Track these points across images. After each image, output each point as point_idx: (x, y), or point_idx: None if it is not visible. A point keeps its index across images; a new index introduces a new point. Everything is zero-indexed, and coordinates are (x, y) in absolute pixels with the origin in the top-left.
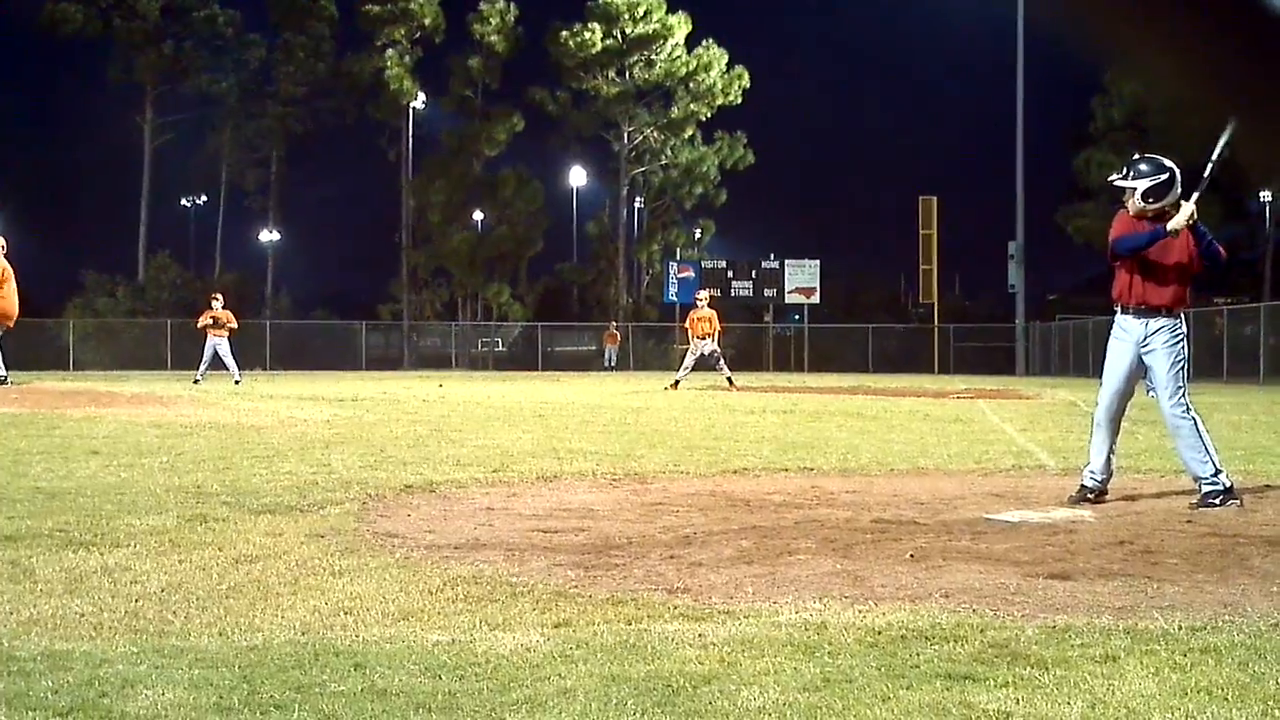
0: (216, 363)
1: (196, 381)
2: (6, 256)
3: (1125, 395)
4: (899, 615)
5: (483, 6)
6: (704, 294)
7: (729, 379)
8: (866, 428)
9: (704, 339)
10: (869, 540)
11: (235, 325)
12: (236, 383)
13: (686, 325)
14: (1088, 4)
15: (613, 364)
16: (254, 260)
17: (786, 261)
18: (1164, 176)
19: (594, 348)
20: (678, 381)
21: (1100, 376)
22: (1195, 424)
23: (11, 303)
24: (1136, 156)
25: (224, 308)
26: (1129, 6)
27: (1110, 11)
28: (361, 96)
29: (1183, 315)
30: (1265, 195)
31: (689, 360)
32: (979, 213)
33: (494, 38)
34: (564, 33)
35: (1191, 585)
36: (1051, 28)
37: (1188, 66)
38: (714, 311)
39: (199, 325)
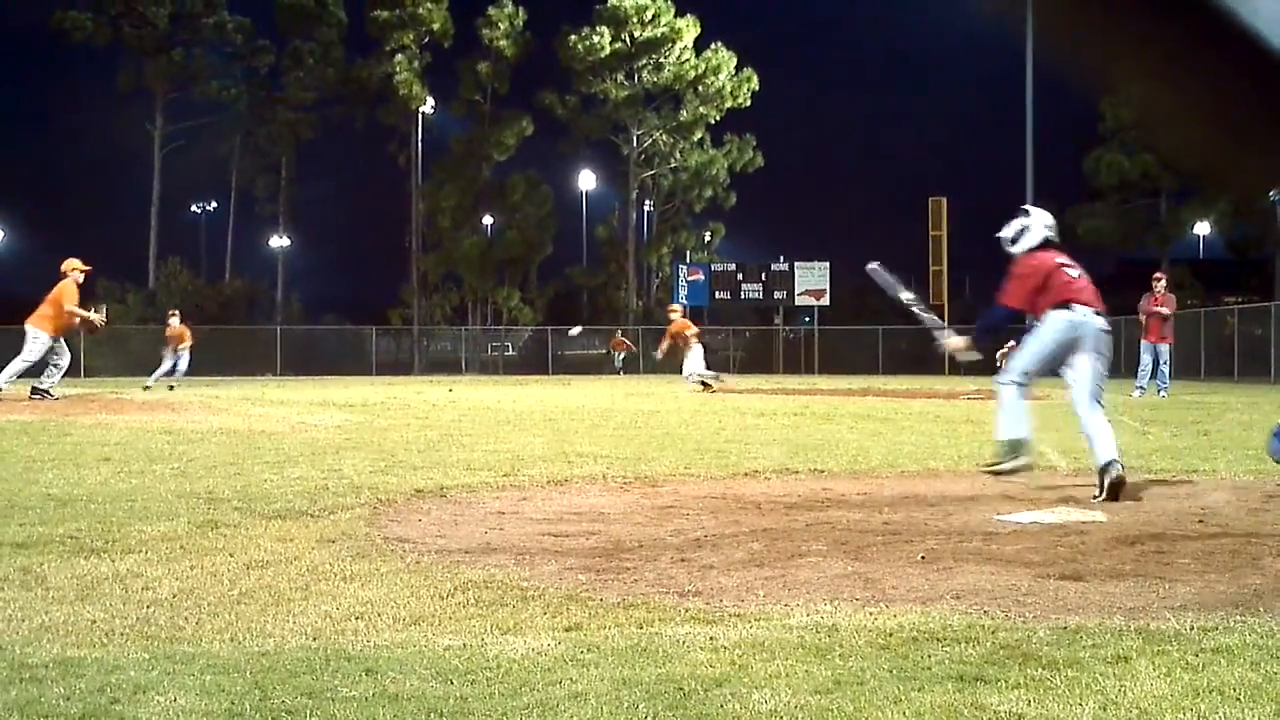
0: (176, 369)
1: (171, 388)
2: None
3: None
4: (910, 617)
5: (491, 11)
6: (677, 305)
7: (703, 383)
8: (877, 429)
9: (690, 344)
10: (880, 542)
11: (183, 341)
12: (146, 389)
13: (674, 336)
14: (1088, 38)
15: (620, 368)
16: (264, 266)
17: (796, 264)
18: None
19: (605, 351)
20: (706, 383)
21: (1110, 377)
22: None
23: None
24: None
25: (181, 323)
26: (1127, 39)
27: (1109, 46)
28: (371, 102)
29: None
30: (1273, 194)
31: (698, 359)
32: (989, 214)
33: (502, 42)
34: (572, 37)
35: (1203, 585)
36: (1053, 60)
37: (1183, 96)
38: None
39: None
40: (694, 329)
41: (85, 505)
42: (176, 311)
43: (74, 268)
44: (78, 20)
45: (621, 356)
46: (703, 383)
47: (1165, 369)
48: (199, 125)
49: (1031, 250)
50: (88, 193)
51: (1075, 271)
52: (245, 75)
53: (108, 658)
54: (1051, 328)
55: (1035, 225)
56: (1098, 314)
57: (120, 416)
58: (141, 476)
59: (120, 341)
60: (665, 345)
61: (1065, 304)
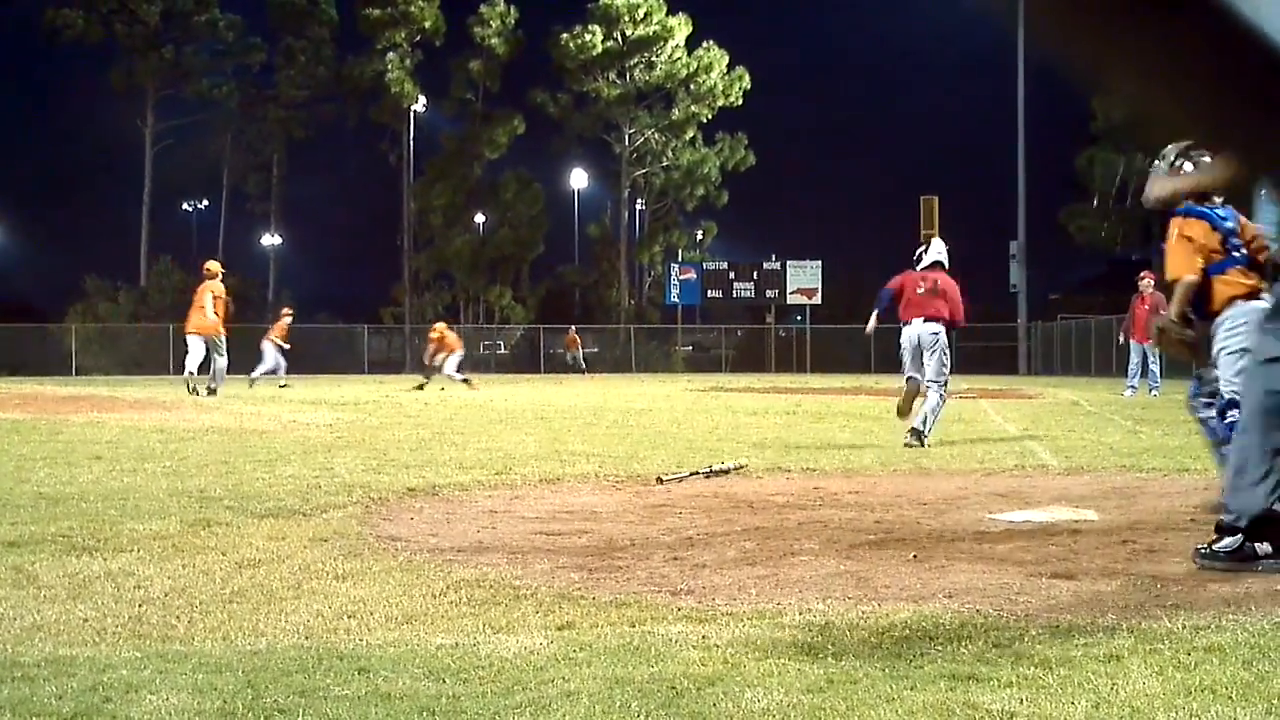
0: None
1: (284, 385)
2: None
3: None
4: (903, 616)
5: (483, 9)
6: (439, 325)
7: (466, 380)
8: (870, 428)
9: (449, 353)
10: (872, 541)
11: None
12: (284, 385)
13: (437, 340)
14: (1081, 37)
15: (582, 367)
16: (256, 264)
17: (788, 262)
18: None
19: (596, 349)
20: (424, 384)
21: (1098, 375)
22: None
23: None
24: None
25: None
26: (1122, 43)
27: (1103, 46)
28: (362, 100)
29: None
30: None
31: (454, 363)
32: (981, 213)
33: (494, 40)
34: (564, 35)
35: (1195, 584)
36: (1046, 58)
37: (1179, 95)
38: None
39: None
40: (453, 338)
41: (77, 504)
42: (291, 312)
43: (219, 270)
44: (70, 18)
45: (579, 354)
46: (464, 380)
47: (1155, 368)
48: (190, 123)
49: (921, 267)
50: (79, 190)
51: (932, 291)
52: (237, 73)
53: (100, 656)
54: (903, 339)
55: (930, 252)
56: (927, 321)
57: (112, 415)
58: (133, 475)
59: (112, 340)
60: (431, 350)
61: (909, 320)
